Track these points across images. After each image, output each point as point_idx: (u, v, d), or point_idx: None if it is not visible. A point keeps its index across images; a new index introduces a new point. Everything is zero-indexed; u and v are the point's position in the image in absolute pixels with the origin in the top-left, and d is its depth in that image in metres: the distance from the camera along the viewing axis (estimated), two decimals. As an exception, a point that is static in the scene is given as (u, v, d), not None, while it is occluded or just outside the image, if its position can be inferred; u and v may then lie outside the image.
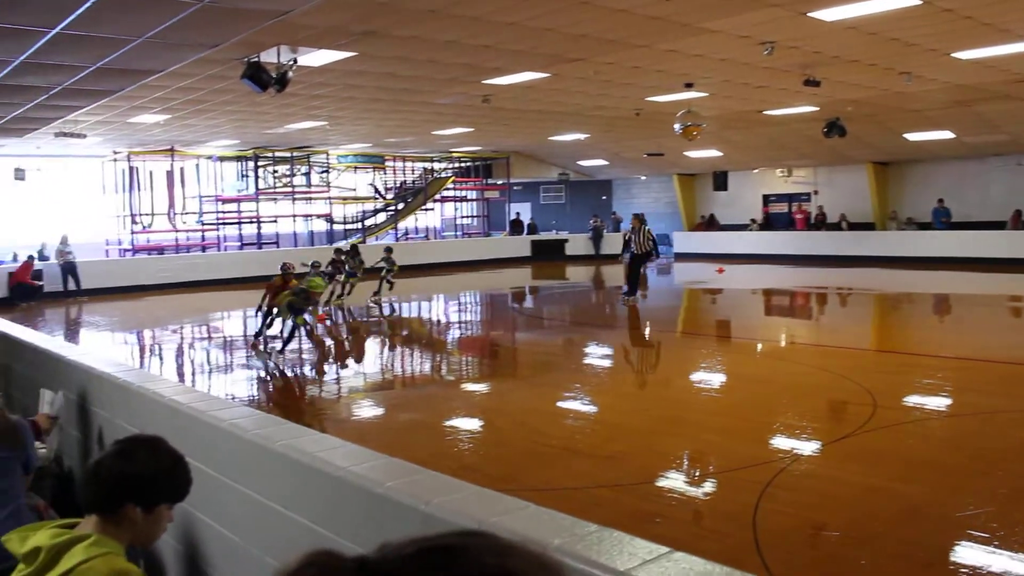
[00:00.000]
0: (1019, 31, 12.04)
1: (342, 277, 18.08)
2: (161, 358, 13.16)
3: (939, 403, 8.64)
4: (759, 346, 13.11)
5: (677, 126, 17.54)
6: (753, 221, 31.75)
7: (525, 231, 34.34)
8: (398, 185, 32.64)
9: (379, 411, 9.24)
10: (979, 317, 15.87)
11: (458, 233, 34.64)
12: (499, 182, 34.47)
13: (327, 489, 2.82)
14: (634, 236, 18.04)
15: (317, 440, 3.22)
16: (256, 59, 11.77)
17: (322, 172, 29.89)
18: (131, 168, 26.08)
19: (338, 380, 10.89)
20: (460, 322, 17.86)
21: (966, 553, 4.67)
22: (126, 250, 26.23)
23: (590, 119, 21.57)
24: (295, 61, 12.07)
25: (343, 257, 18.24)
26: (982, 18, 11.22)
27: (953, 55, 13.52)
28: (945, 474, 6.16)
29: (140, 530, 2.29)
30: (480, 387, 10.59)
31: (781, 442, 7.07)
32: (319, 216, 30.02)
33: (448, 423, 8.13)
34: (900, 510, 5.40)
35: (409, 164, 32.62)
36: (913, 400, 8.68)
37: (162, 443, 2.44)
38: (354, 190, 31.37)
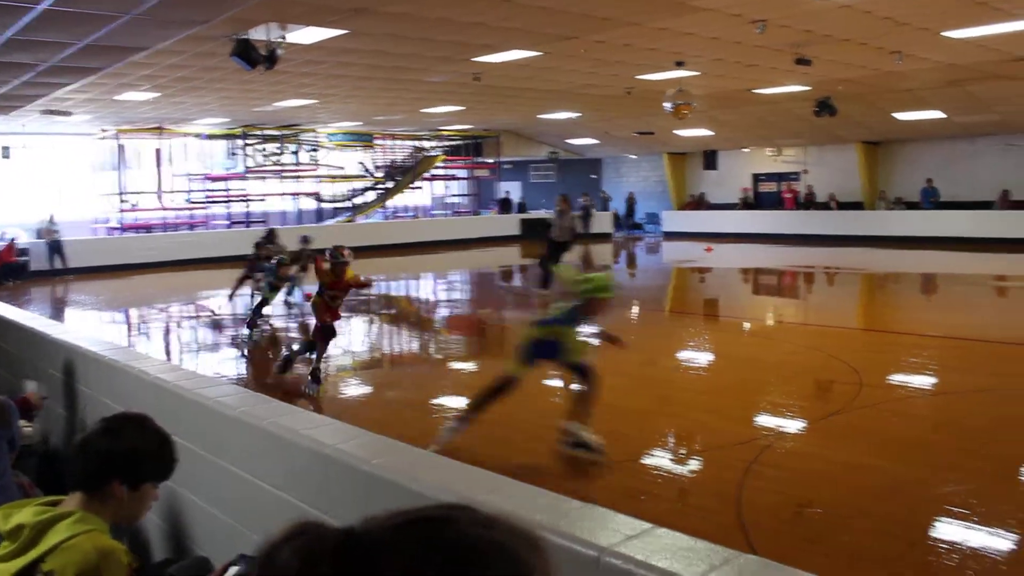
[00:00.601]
0: (1012, 10, 12.02)
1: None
2: (148, 337, 13.13)
3: (924, 381, 8.70)
4: (747, 325, 13.15)
5: (667, 105, 17.51)
6: (744, 192, 31.88)
7: (515, 210, 34.27)
8: (387, 163, 32.53)
9: (367, 390, 9.26)
10: (965, 296, 15.93)
11: (448, 212, 34.56)
12: (489, 160, 34.39)
13: (314, 466, 2.82)
14: (557, 220, 15.62)
15: (304, 418, 3.23)
16: (245, 36, 11.69)
17: (311, 150, 29.77)
18: (119, 146, 25.94)
19: (326, 359, 10.87)
20: (448, 300, 17.86)
21: (948, 529, 4.72)
22: (114, 228, 26.10)
23: (581, 97, 21.51)
24: (284, 38, 12.00)
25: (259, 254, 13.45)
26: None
27: (945, 34, 13.49)
28: (929, 452, 6.20)
29: (124, 508, 2.29)
30: (467, 366, 10.60)
31: (768, 421, 7.11)
32: (308, 195, 29.91)
33: (436, 402, 8.14)
34: (884, 488, 5.43)
35: (399, 142, 32.51)
36: (899, 379, 8.74)
37: (148, 421, 2.45)
38: (342, 168, 31.25)
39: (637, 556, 1.81)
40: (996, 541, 4.60)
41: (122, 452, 2.29)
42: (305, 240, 14.38)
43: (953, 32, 13.38)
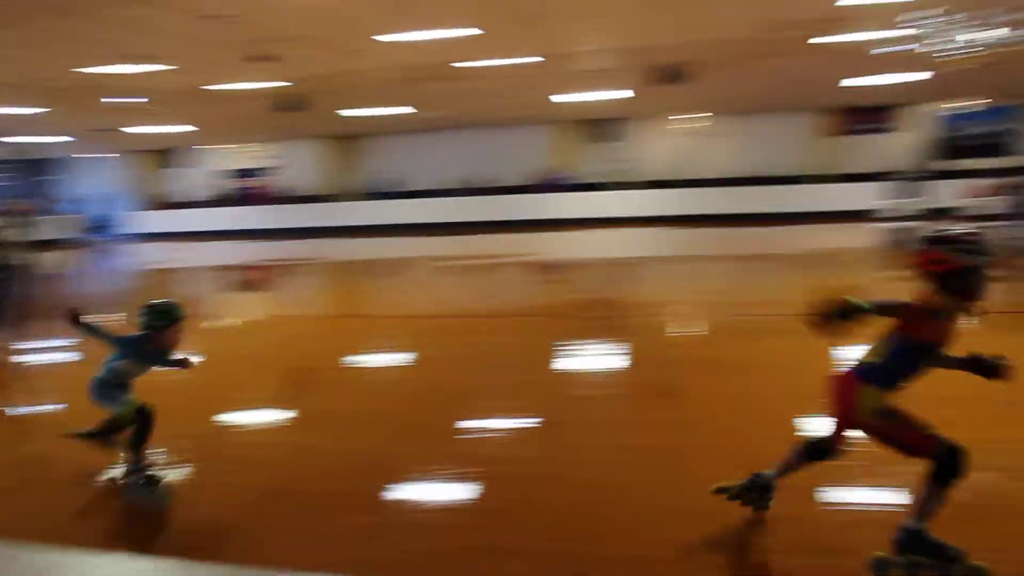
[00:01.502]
0: (445, 19, 13.24)
1: None
2: None
3: (381, 360, 9.39)
4: (225, 322, 13.09)
5: (116, 100, 16.80)
6: (206, 189, 32.00)
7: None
8: None
9: None
10: (423, 278, 17.69)
11: None
12: None
13: None
14: None
15: None
16: None
17: None
18: None
19: None
20: None
21: (407, 489, 5.18)
22: None
23: (23, 91, 19.42)
24: None
25: None
26: (406, 5, 12.20)
27: (376, 38, 14.43)
28: (391, 424, 6.64)
29: None
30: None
31: (237, 417, 7.12)
32: None
33: None
34: (355, 464, 5.68)
35: None
36: (360, 360, 9.32)
37: None
38: None
39: None
40: (446, 491, 5.16)
41: None
42: None
43: (383, 36, 14.33)
